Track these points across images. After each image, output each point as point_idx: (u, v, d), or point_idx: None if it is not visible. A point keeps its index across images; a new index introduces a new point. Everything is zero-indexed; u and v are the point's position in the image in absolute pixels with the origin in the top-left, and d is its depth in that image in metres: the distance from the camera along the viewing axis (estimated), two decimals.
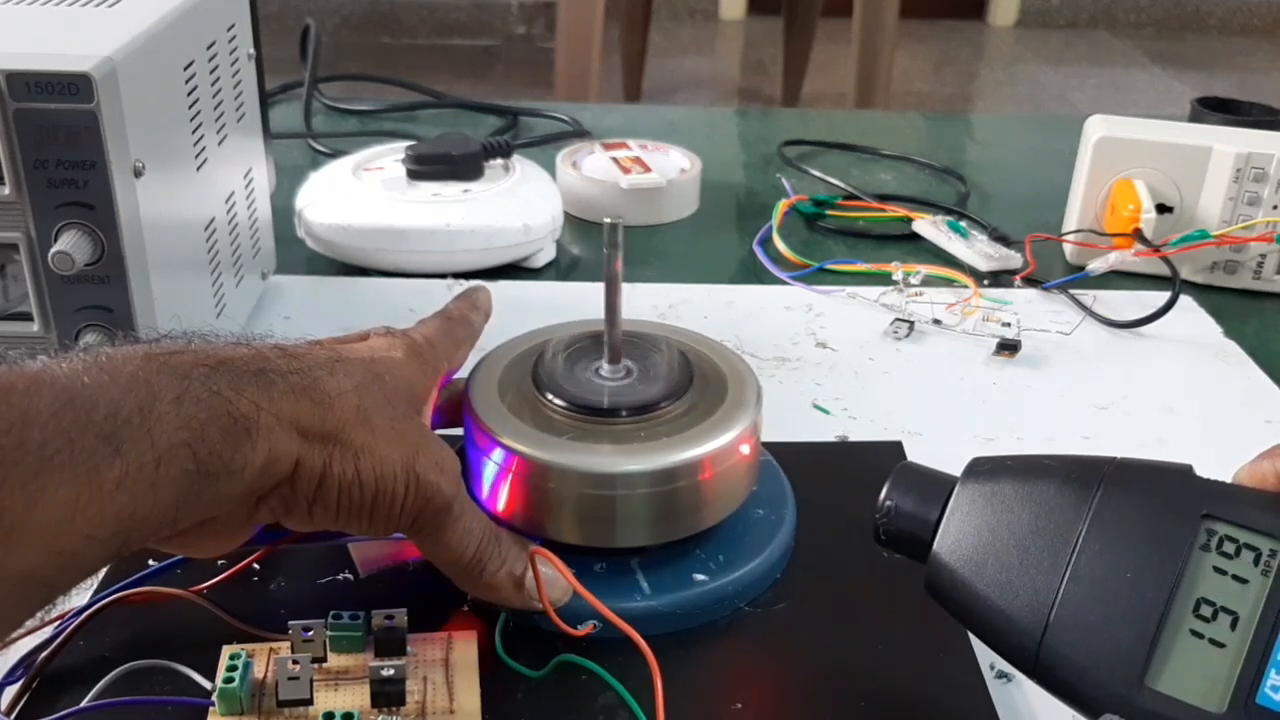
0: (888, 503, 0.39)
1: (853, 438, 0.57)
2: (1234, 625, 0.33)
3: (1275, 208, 0.71)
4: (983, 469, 0.38)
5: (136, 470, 0.31)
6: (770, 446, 0.51)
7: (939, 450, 0.53)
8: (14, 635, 0.38)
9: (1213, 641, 0.33)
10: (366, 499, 0.38)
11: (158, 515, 0.33)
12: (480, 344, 0.49)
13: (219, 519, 0.37)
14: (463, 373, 0.48)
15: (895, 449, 0.56)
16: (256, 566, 0.46)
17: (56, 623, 0.42)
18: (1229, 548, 0.34)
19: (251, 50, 0.64)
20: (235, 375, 0.35)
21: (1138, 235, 0.71)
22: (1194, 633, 0.33)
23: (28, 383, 0.31)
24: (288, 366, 0.37)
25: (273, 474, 0.36)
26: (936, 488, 0.38)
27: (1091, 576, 0.34)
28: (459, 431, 0.46)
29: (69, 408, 0.31)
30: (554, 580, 0.42)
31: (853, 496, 0.40)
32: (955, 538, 0.37)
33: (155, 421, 0.32)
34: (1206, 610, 0.33)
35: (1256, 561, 0.34)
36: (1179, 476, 0.36)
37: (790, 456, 0.52)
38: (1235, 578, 0.34)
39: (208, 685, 0.39)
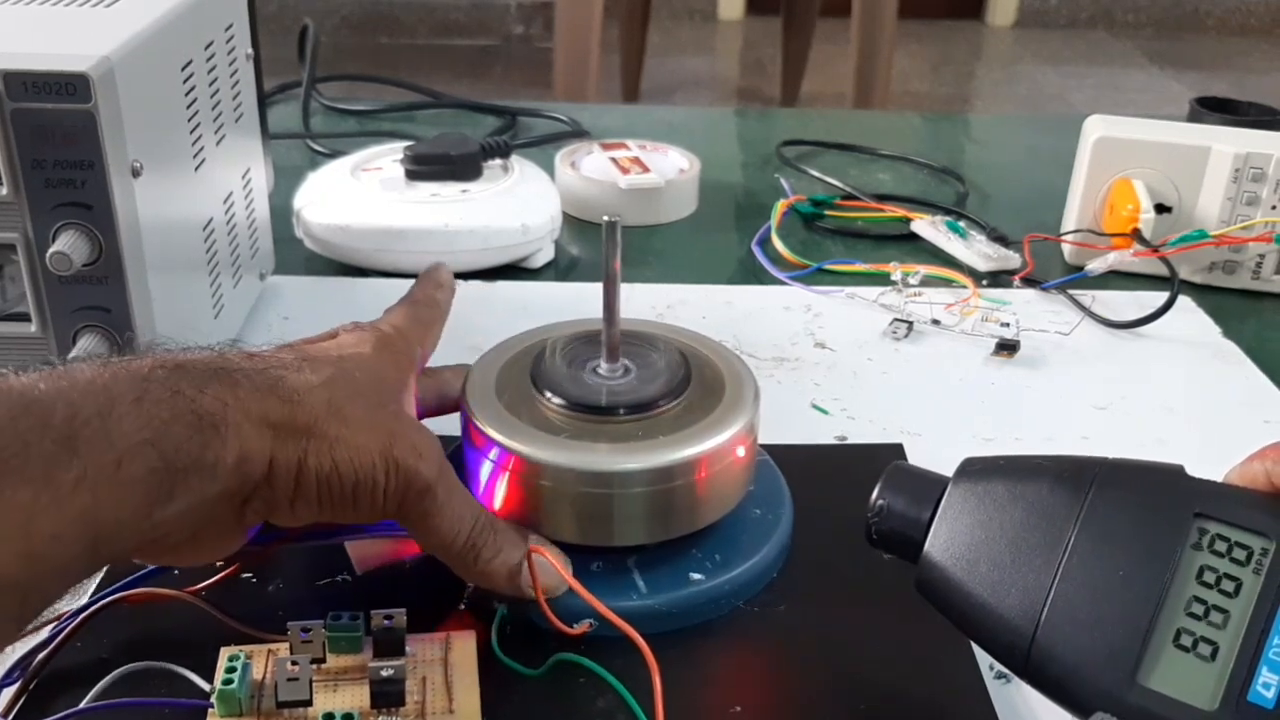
0: (880, 502, 0.39)
1: (851, 438, 0.57)
2: (1225, 623, 0.33)
3: (1274, 208, 0.71)
4: (975, 469, 0.38)
5: (95, 471, 0.32)
6: (770, 448, 0.51)
7: (937, 450, 0.53)
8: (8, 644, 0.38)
9: (1204, 640, 0.33)
10: (347, 489, 0.38)
11: (129, 516, 0.33)
12: (478, 344, 0.49)
13: (209, 526, 0.37)
14: (456, 360, 0.48)
15: (896, 451, 0.55)
16: (254, 569, 0.46)
17: (53, 624, 0.42)
18: (1220, 546, 0.34)
19: (250, 50, 0.63)
20: (196, 375, 0.36)
21: (1136, 235, 0.71)
22: (1186, 631, 0.33)
23: None
24: (251, 366, 0.38)
25: (248, 473, 0.36)
26: (928, 488, 0.38)
27: (1083, 576, 0.34)
28: (457, 433, 0.46)
29: (25, 414, 0.31)
30: (549, 572, 0.42)
31: (853, 499, 0.40)
32: (947, 537, 0.37)
33: (115, 423, 0.33)
34: (1198, 609, 0.34)
35: (1248, 560, 0.34)
36: (1170, 476, 0.36)
37: (791, 458, 0.52)
38: (1227, 576, 0.34)
39: (206, 687, 0.39)
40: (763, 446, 0.49)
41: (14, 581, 0.30)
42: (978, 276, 0.73)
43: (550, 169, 0.82)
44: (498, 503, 0.44)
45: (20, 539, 0.30)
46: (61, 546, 0.31)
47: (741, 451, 0.45)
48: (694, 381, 0.46)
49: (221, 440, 0.35)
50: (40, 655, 0.41)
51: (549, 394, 0.45)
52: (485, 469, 0.44)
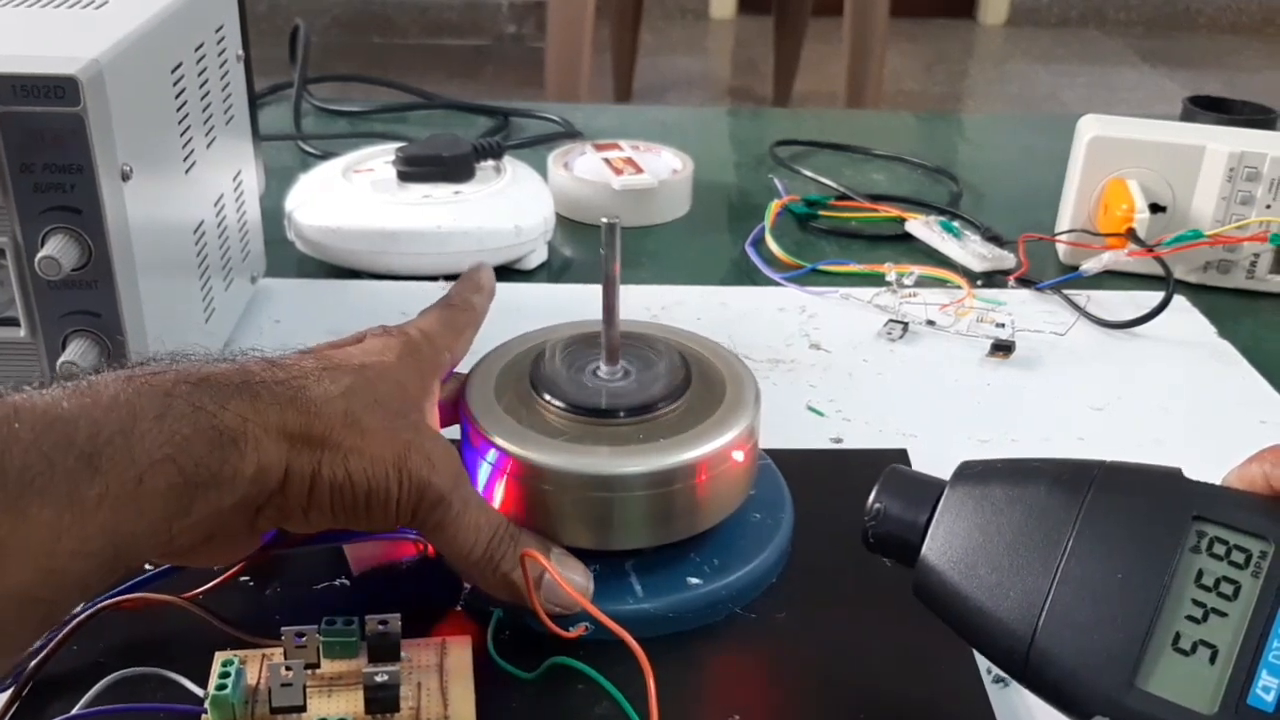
0: (876, 506, 0.39)
1: (847, 440, 0.57)
2: (1224, 627, 0.33)
3: (1268, 207, 0.71)
4: (972, 472, 0.38)
5: (117, 487, 0.32)
6: (772, 452, 0.51)
7: (934, 452, 0.53)
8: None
9: (1204, 643, 0.33)
10: (360, 499, 0.38)
11: (147, 529, 0.33)
12: (475, 346, 0.49)
13: (222, 532, 0.37)
14: (462, 369, 0.48)
15: (899, 456, 0.55)
16: (251, 573, 0.45)
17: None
18: (1219, 549, 0.34)
19: (240, 51, 0.63)
20: (218, 390, 0.36)
21: (1131, 235, 0.71)
22: (1185, 634, 0.33)
23: (7, 410, 0.31)
24: (272, 378, 0.38)
25: (264, 483, 0.36)
26: (926, 491, 0.38)
27: (1082, 579, 0.34)
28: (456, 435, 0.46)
29: (49, 432, 0.31)
30: (563, 591, 0.42)
31: (855, 504, 0.40)
32: (945, 541, 0.37)
33: (137, 440, 0.33)
34: (1197, 612, 0.33)
35: (1246, 563, 0.34)
36: (1169, 479, 0.36)
37: (792, 463, 0.51)
38: (1226, 579, 0.34)
39: (200, 692, 0.39)
40: (765, 451, 0.49)
41: (38, 597, 0.31)
42: (972, 277, 0.73)
43: (543, 170, 0.82)
44: (497, 506, 0.44)
45: (45, 556, 0.31)
46: (83, 562, 0.32)
47: (742, 455, 0.44)
48: (694, 383, 0.46)
49: (240, 454, 0.35)
50: (34, 660, 0.41)
51: (549, 397, 0.45)
52: (484, 471, 0.44)
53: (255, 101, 0.71)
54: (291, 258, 0.73)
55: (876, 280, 0.72)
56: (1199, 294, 0.73)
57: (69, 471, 0.31)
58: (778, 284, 0.73)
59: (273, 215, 0.73)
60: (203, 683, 0.39)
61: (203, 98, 0.57)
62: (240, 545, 0.40)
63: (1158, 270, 0.71)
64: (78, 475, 0.31)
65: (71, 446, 0.31)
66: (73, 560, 0.31)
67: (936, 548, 0.37)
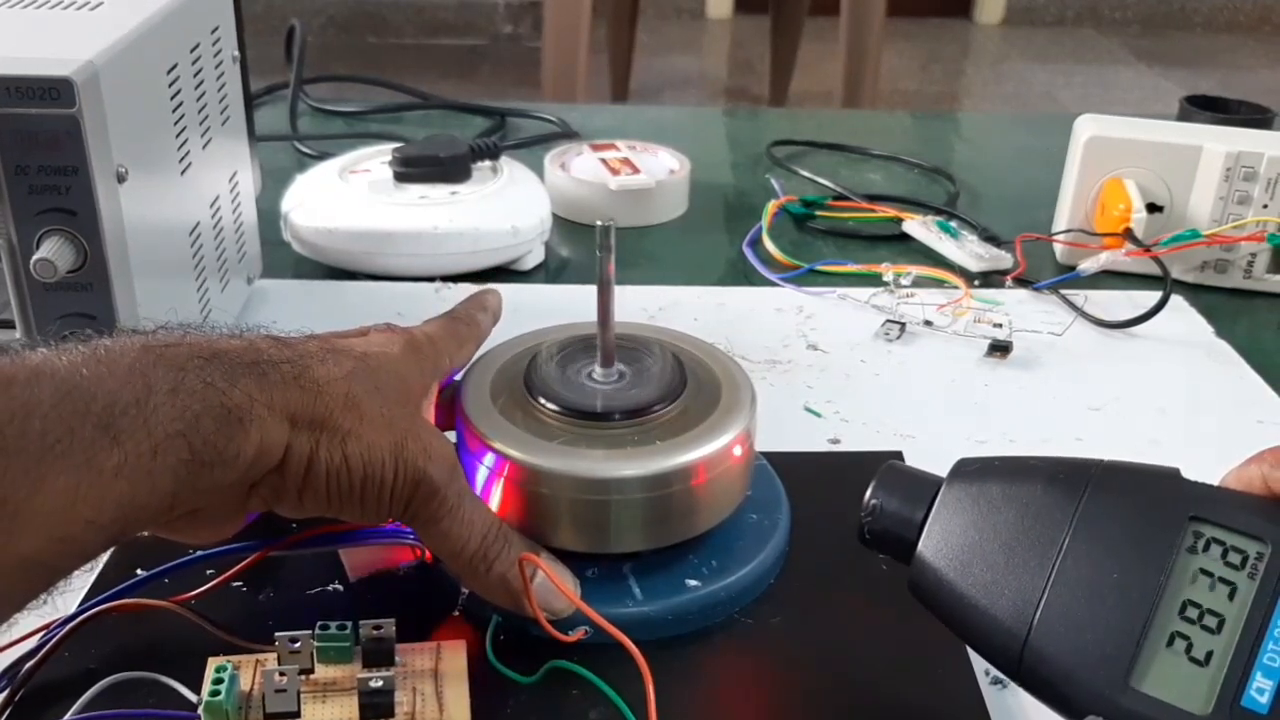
0: (873, 502, 0.39)
1: (844, 441, 0.57)
2: (1220, 628, 0.33)
3: (1265, 206, 0.71)
4: (969, 469, 0.38)
5: (134, 459, 0.32)
6: (769, 455, 0.51)
7: (931, 452, 0.53)
8: (16, 623, 0.38)
9: (1198, 644, 0.33)
10: (355, 484, 0.38)
11: (156, 502, 0.33)
12: None
13: (210, 509, 0.37)
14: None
15: (896, 457, 0.55)
16: (245, 577, 0.45)
17: (42, 633, 0.41)
18: (1216, 550, 0.34)
19: (236, 52, 0.63)
20: (229, 367, 0.36)
21: (1128, 235, 0.71)
22: (1180, 635, 0.33)
23: (29, 375, 0.32)
24: (280, 356, 0.38)
25: (263, 463, 0.36)
26: (922, 488, 0.38)
27: (1077, 578, 0.34)
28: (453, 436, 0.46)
29: (68, 399, 0.32)
30: (554, 590, 0.42)
31: (850, 504, 0.40)
32: (940, 538, 0.37)
33: (152, 412, 0.33)
34: (1192, 612, 0.33)
35: (1243, 564, 0.34)
36: (1166, 479, 0.36)
37: (789, 464, 0.51)
38: (1222, 580, 0.34)
39: (194, 698, 0.39)
40: (762, 454, 0.49)
41: (44, 562, 0.31)
42: (970, 277, 0.73)
43: (540, 170, 0.82)
44: (493, 509, 0.43)
45: (60, 524, 0.31)
46: (95, 531, 0.32)
47: (739, 455, 0.44)
48: (690, 386, 0.46)
49: (245, 433, 0.35)
50: (28, 665, 0.40)
51: (544, 399, 0.45)
52: (480, 475, 0.43)
53: (251, 102, 0.71)
54: (288, 259, 0.73)
55: (874, 280, 0.72)
56: (1196, 294, 0.73)
57: (87, 440, 0.31)
58: (775, 284, 0.73)
59: (269, 216, 0.72)
60: (197, 688, 0.39)
61: (198, 99, 0.57)
62: (226, 524, 0.40)
63: (1155, 270, 0.71)
64: (96, 444, 0.31)
65: (89, 415, 0.32)
66: (86, 529, 0.31)
67: (932, 545, 0.37)
